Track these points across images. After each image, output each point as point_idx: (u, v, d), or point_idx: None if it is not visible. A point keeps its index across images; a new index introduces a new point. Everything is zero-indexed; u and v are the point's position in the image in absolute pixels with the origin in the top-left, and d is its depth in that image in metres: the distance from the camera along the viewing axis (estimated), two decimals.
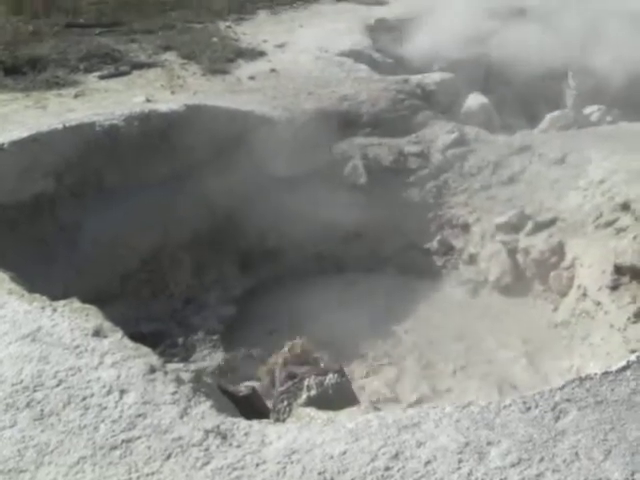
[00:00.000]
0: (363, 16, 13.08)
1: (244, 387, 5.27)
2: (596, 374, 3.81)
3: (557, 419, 3.47)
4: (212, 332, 7.01)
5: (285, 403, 5.42)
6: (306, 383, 5.77)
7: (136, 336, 4.72)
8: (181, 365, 4.44)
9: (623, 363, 3.91)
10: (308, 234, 8.01)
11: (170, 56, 10.52)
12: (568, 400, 3.61)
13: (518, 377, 6.60)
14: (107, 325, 4.52)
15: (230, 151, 7.98)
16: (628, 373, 3.84)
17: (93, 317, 4.59)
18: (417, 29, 11.88)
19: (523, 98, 11.67)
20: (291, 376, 5.90)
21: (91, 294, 5.44)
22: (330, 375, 5.83)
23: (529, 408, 3.55)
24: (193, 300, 7.53)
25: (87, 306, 4.77)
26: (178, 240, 7.56)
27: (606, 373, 3.83)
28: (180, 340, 6.74)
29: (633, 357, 3.95)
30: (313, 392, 5.67)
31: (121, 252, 7.05)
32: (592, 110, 10.67)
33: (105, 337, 4.36)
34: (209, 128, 7.90)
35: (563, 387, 3.71)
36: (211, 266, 7.79)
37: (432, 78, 10.07)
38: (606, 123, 10.36)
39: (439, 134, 8.78)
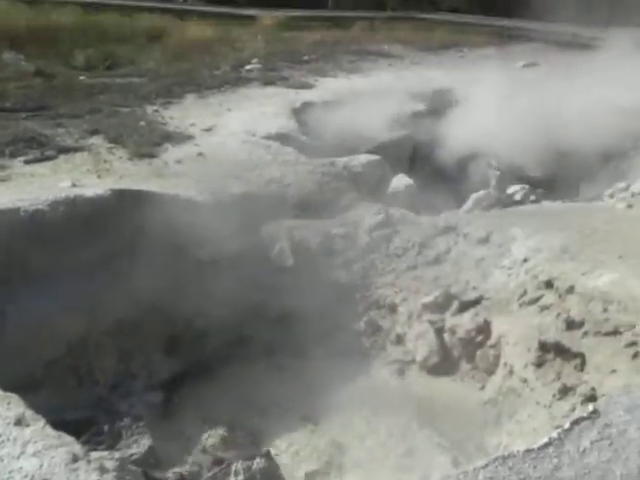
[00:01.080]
0: (290, 99, 13.25)
1: (171, 474, 5.21)
2: (518, 451, 3.84)
3: None
4: (139, 419, 6.85)
5: None
6: (233, 468, 5.73)
7: (60, 424, 4.64)
8: (106, 453, 4.36)
9: (545, 440, 3.94)
10: (235, 317, 7.96)
11: (97, 140, 10.46)
12: (491, 478, 3.62)
13: (443, 458, 6.59)
14: (29, 413, 4.45)
15: (156, 235, 7.94)
16: (550, 450, 3.88)
17: (15, 405, 4.52)
18: (344, 111, 12.07)
19: (448, 178, 11.88)
20: (218, 462, 5.85)
21: (15, 381, 5.35)
22: (257, 459, 5.79)
23: None
24: (119, 386, 7.39)
25: (9, 394, 4.70)
26: (104, 326, 7.43)
27: (528, 450, 3.86)
28: (106, 427, 6.60)
29: (554, 434, 3.99)
30: (240, 477, 5.63)
31: (46, 339, 6.90)
32: (515, 190, 10.90)
33: (27, 426, 4.28)
34: (135, 213, 7.87)
35: (486, 466, 3.73)
36: (137, 352, 7.67)
37: (358, 160, 10.22)
38: (529, 202, 10.58)
39: (365, 216, 8.87)
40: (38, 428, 4.29)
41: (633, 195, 9.81)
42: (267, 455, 6.03)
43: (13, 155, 9.58)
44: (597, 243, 7.64)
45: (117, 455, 4.29)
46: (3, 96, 12.75)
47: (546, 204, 10.12)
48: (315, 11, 28.67)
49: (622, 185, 10.56)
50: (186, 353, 7.95)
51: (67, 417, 5.99)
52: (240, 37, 20.80)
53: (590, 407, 4.40)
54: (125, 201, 7.90)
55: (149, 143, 10.43)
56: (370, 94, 12.79)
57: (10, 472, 3.86)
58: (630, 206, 8.94)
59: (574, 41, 20.80)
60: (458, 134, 12.14)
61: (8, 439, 4.13)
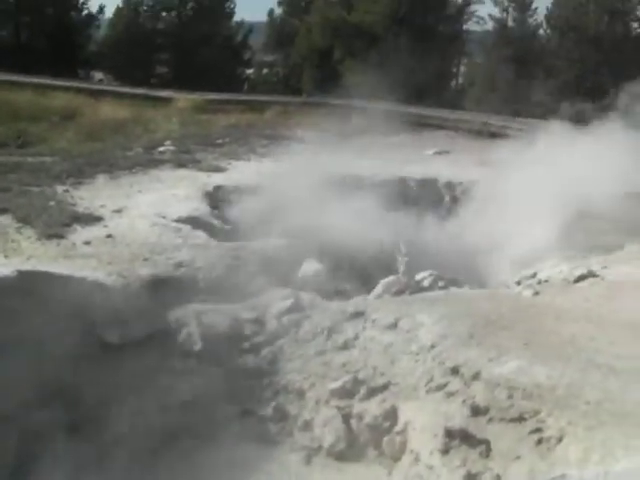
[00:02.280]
0: (202, 182, 13.30)
1: None
2: None
3: None
4: None
5: None
6: None
7: None
8: None
9: None
10: (142, 402, 7.86)
11: (5, 219, 10.36)
12: None
13: None
14: None
15: (63, 317, 7.85)
16: None
17: None
18: (256, 195, 12.15)
19: (358, 264, 11.98)
20: None
21: None
22: None
23: None
24: (20, 473, 7.23)
25: None
26: (6, 407, 7.29)
27: None
28: None
29: None
30: None
31: None
32: (424, 276, 11.01)
33: None
34: (41, 294, 7.78)
35: None
36: (40, 438, 7.51)
37: (269, 245, 10.29)
38: (437, 288, 10.68)
39: (274, 300, 8.88)
40: None
41: (540, 282, 9.99)
42: None
43: None
44: (503, 330, 7.75)
45: None
46: None
47: (454, 291, 10.24)
48: (230, 94, 28.96)
49: (529, 272, 10.75)
50: (90, 436, 7.78)
51: None
52: (154, 118, 20.86)
53: None
54: (32, 282, 7.80)
55: (58, 223, 10.34)
56: (282, 178, 12.90)
57: None
58: (537, 293, 9.11)
59: (484, 129, 21.34)
60: (368, 218, 12.31)
61: None
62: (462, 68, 47.65)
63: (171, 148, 16.67)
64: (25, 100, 20.43)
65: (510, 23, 44.93)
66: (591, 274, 9.54)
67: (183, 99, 24.46)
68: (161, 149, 16.57)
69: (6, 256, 8.87)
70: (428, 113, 24.67)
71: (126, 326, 8.09)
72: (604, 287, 9.12)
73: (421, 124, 22.91)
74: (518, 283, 10.37)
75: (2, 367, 7.28)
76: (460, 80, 47.21)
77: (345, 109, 23.41)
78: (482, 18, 45.72)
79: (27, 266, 8.22)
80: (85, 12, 44.55)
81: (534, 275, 10.43)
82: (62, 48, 38.62)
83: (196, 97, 25.11)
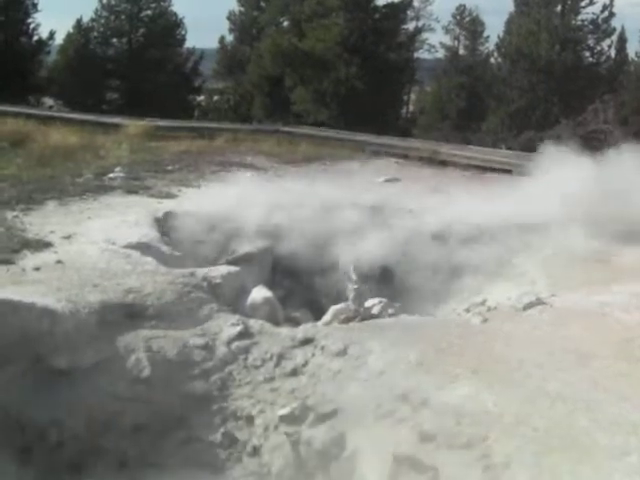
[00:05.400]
0: (152, 209, 13.27)
1: None
2: None
3: None
4: None
5: None
6: None
7: None
8: None
9: None
10: (89, 428, 7.83)
11: None
12: None
13: None
14: None
15: (9, 343, 7.80)
16: None
17: None
18: (206, 222, 12.17)
19: (308, 291, 12.04)
20: None
21: None
22: None
23: None
24: None
25: None
26: None
27: None
28: None
29: None
30: None
31: None
32: (373, 303, 11.07)
33: None
34: None
35: None
36: None
37: (218, 271, 10.29)
38: (387, 316, 10.74)
39: (224, 327, 8.87)
40: None
41: (489, 309, 10.10)
42: None
43: None
44: (452, 357, 7.84)
45: None
46: None
47: (403, 318, 10.30)
48: (181, 121, 29.00)
49: (478, 299, 10.86)
50: (39, 464, 7.72)
51: None
52: (104, 145, 20.76)
53: None
54: None
55: (7, 249, 10.29)
56: (232, 205, 12.93)
57: None
58: (485, 320, 9.21)
59: (434, 157, 21.54)
60: (318, 246, 12.38)
61: None
62: (412, 96, 48.06)
63: (121, 174, 16.58)
64: None
65: (461, 51, 45.47)
66: (539, 301, 9.66)
67: (133, 125, 24.37)
68: (111, 175, 16.47)
69: None
70: (378, 141, 24.84)
71: (75, 352, 8.06)
72: (552, 314, 9.23)
73: (371, 151, 23.05)
74: (467, 310, 10.47)
75: None
76: (410, 108, 47.59)
77: (295, 136, 23.54)
78: (433, 46, 46.31)
79: None
80: (35, 38, 44.36)
81: (483, 302, 10.55)
82: (12, 74, 38.36)
83: (147, 124, 25.03)
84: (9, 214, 12.49)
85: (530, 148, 26.56)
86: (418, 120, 44.32)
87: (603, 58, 41.93)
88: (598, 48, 41.18)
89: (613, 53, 42.70)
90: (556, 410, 6.62)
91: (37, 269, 9.71)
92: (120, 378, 8.14)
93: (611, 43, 42.25)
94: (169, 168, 18.29)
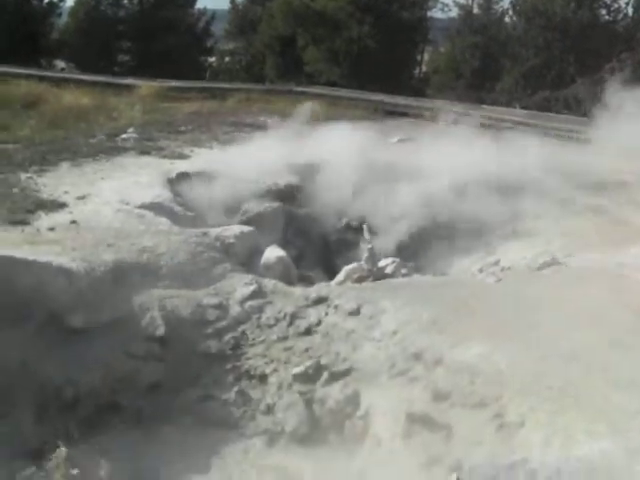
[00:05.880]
0: (165, 169, 13.25)
1: None
2: None
3: None
4: None
5: None
6: None
7: None
8: None
9: None
10: (106, 385, 7.88)
11: None
12: None
13: None
14: None
15: (27, 302, 7.83)
16: None
17: None
18: (219, 182, 12.14)
19: (321, 251, 12.04)
20: None
21: None
22: None
23: None
24: None
25: None
26: None
27: None
28: None
29: None
30: None
31: None
32: (387, 263, 11.07)
33: None
34: (6, 279, 7.75)
35: None
36: (5, 420, 7.49)
37: (231, 231, 10.32)
38: (400, 276, 10.74)
39: (237, 286, 8.91)
40: None
41: (502, 269, 10.08)
42: None
43: None
44: (466, 317, 7.83)
45: None
46: None
47: (416, 278, 10.31)
48: (192, 82, 28.82)
49: (492, 260, 10.83)
50: (56, 420, 7.77)
51: None
52: (117, 106, 20.70)
53: (454, 476, 4.49)
54: None
55: (22, 210, 10.33)
56: (245, 165, 12.89)
57: None
58: (499, 280, 9.19)
59: (447, 116, 21.36)
60: (331, 206, 12.36)
61: None
62: (426, 56, 47.56)
63: (134, 135, 16.56)
64: None
65: (475, 10, 44.82)
66: (555, 261, 9.62)
67: (145, 86, 24.25)
68: (124, 136, 16.45)
69: None
70: (391, 100, 24.67)
71: (90, 310, 8.09)
72: (567, 274, 9.22)
73: (384, 111, 22.92)
74: (481, 270, 10.45)
75: None
76: (424, 68, 47.14)
77: (308, 96, 23.38)
78: (447, 5, 45.58)
79: None
80: (46, 0, 44.07)
81: (497, 262, 10.52)
82: (23, 37, 38.12)
83: (158, 84, 24.91)
84: (23, 175, 12.50)
85: (545, 107, 26.35)
86: (431, 80, 43.87)
87: (620, 16, 41.23)
88: (615, 5, 40.48)
89: (630, 11, 42.11)
90: (571, 370, 6.61)
91: (52, 229, 9.74)
92: (135, 336, 8.19)
93: (628, 0, 41.72)
94: (181, 129, 18.24)
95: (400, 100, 24.95)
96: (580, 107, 26.37)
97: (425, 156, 13.59)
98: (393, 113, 22.82)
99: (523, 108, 26.42)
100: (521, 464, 4.72)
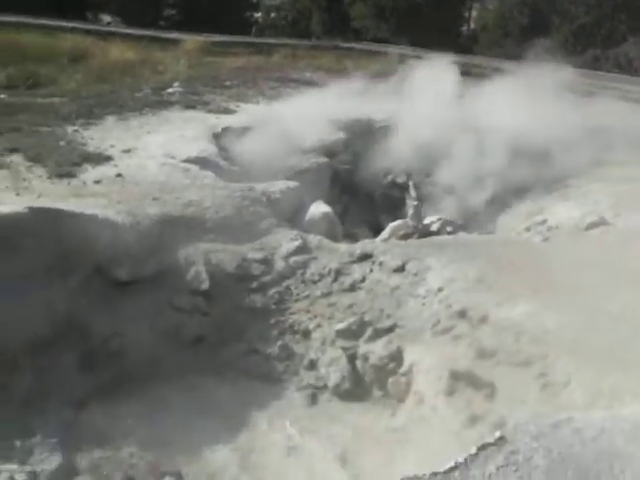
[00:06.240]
0: (211, 124, 13.24)
1: None
2: (425, 474, 3.88)
3: None
4: (51, 436, 6.79)
5: None
6: None
7: None
8: (16, 467, 4.33)
9: (451, 464, 4.00)
10: (150, 338, 7.94)
11: (16, 158, 10.36)
12: None
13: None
14: None
15: (73, 254, 7.88)
16: (456, 474, 3.93)
17: None
18: (265, 138, 12.11)
19: (366, 207, 12.00)
20: (128, 479, 5.84)
21: None
22: (167, 478, 5.80)
23: None
24: (33, 404, 7.29)
25: None
26: (19, 344, 7.32)
27: (435, 473, 3.91)
28: (17, 443, 6.52)
29: (461, 458, 4.05)
30: None
31: None
32: (432, 220, 11.02)
33: None
34: (52, 231, 7.80)
35: None
36: (52, 370, 7.57)
37: (277, 186, 10.29)
38: (446, 233, 10.69)
39: (282, 241, 8.91)
40: None
41: (550, 229, 9.98)
42: (178, 475, 6.03)
43: None
44: (512, 275, 7.77)
45: (28, 469, 4.26)
46: None
47: (462, 235, 10.25)
48: (238, 37, 28.73)
49: (539, 219, 10.72)
50: (101, 372, 7.85)
51: None
52: (162, 60, 20.72)
53: (497, 434, 4.46)
54: (43, 219, 7.81)
55: (68, 163, 10.35)
56: (291, 121, 12.85)
57: None
58: (546, 240, 9.10)
59: (496, 74, 21.09)
60: (377, 163, 12.30)
61: None
62: (474, 13, 46.96)
63: (179, 90, 16.57)
64: (34, 42, 20.24)
65: None
66: (603, 222, 9.51)
67: (191, 41, 24.25)
68: (170, 90, 16.47)
69: (17, 194, 8.90)
70: (439, 57, 24.36)
71: (135, 263, 8.14)
72: (616, 235, 9.11)
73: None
74: (527, 229, 10.36)
75: (14, 303, 7.31)
76: (472, 25, 46.56)
77: (354, 52, 23.22)
78: None
79: (38, 204, 8.21)
80: None
81: (544, 222, 10.41)
82: None
83: (204, 39, 24.90)
84: (69, 128, 12.55)
85: (595, 66, 25.91)
86: (479, 37, 43.40)
87: None
88: None
89: None
90: (618, 330, 6.54)
91: (97, 182, 9.77)
92: (180, 290, 8.23)
93: None
94: (227, 84, 18.22)
95: (448, 57, 24.65)
96: (631, 66, 25.92)
97: (477, 112, 13.42)
98: None
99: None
100: (566, 423, 4.68)
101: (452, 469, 3.98)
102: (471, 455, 4.18)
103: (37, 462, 6.26)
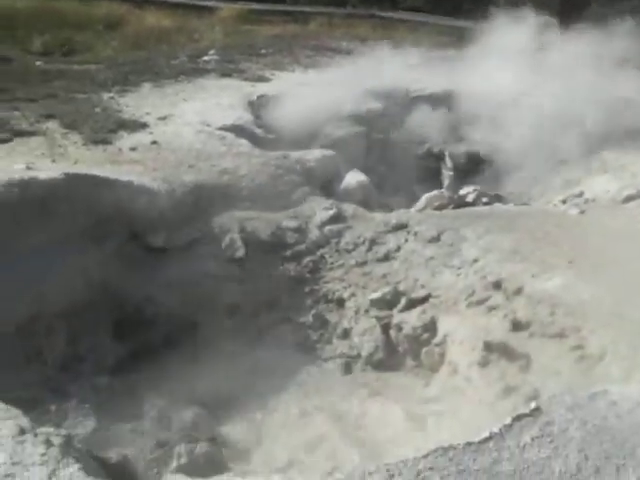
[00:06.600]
0: (246, 92, 13.21)
1: (114, 454, 5.22)
2: (459, 444, 3.87)
3: None
4: (85, 400, 6.85)
5: (155, 471, 5.41)
6: (176, 451, 5.75)
7: (6, 402, 4.69)
8: (52, 429, 4.41)
9: (486, 434, 3.99)
10: (184, 305, 7.98)
11: (52, 125, 10.42)
12: (431, 468, 3.66)
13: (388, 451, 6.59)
14: None
15: (108, 220, 7.93)
16: (490, 444, 3.92)
17: None
18: (300, 106, 12.06)
19: (402, 177, 11.93)
20: (161, 444, 5.87)
21: None
22: (201, 443, 5.82)
23: (392, 475, 3.58)
24: (67, 368, 7.37)
25: None
26: (54, 309, 7.39)
27: (469, 443, 3.90)
28: (52, 407, 6.60)
29: (495, 428, 4.04)
30: (183, 460, 5.67)
31: None
32: (468, 191, 10.94)
33: None
34: (88, 197, 7.85)
35: (427, 455, 3.76)
36: (86, 335, 7.65)
37: (312, 155, 10.25)
38: (481, 204, 10.62)
39: (317, 210, 8.91)
40: None
41: (586, 201, 9.90)
42: (211, 440, 6.06)
43: None
44: (548, 247, 7.71)
45: (63, 432, 4.34)
46: None
47: (498, 207, 10.17)
48: (274, 5, 28.61)
49: (576, 191, 10.63)
50: (134, 338, 7.92)
51: (13, 396, 5.96)
52: (198, 28, 20.69)
53: (532, 404, 4.45)
54: (79, 185, 7.87)
55: (104, 129, 10.39)
56: (327, 89, 12.79)
57: None
58: (583, 212, 9.03)
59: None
60: (413, 133, 12.24)
61: None
62: None
63: (215, 57, 16.56)
64: (70, 8, 20.27)
65: None
66: None
67: (227, 9, 24.17)
68: (205, 58, 16.47)
69: (53, 160, 8.94)
70: (478, 27, 24.09)
71: (170, 230, 8.18)
72: None
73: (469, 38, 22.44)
74: (564, 202, 10.27)
75: (49, 268, 7.37)
76: None
77: (391, 22, 23.05)
78: None
79: (74, 170, 8.26)
80: None
81: (581, 194, 10.32)
82: None
83: (240, 7, 24.81)
84: (105, 95, 12.60)
85: None
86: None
87: None
88: None
89: None
90: None
91: (133, 149, 9.79)
92: (215, 257, 8.27)
93: None
94: (262, 52, 18.16)
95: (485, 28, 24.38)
96: None
97: (516, 84, 13.26)
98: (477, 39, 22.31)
99: None
100: (602, 395, 4.65)
101: (487, 439, 3.97)
102: (506, 425, 4.17)
103: (72, 426, 6.33)
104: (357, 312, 8.06)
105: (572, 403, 4.50)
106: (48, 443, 4.09)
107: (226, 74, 15.06)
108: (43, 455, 3.96)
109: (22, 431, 4.18)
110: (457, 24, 24.44)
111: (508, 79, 12.72)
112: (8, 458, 3.90)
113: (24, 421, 4.32)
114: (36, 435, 4.17)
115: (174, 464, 5.72)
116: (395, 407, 7.07)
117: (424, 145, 12.29)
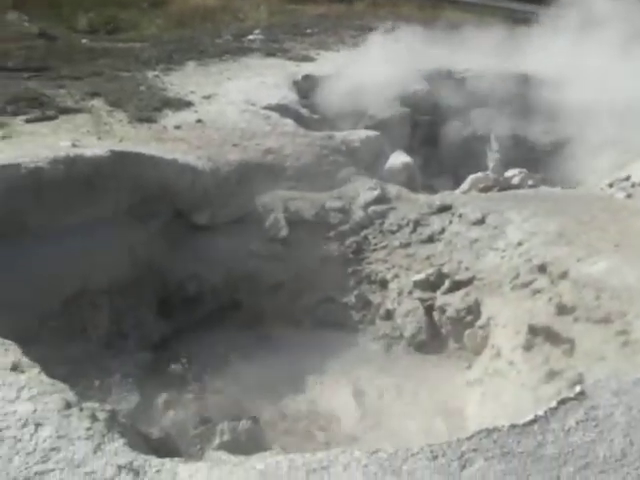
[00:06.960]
0: (291, 71, 13.19)
1: (158, 430, 5.27)
2: (504, 426, 3.86)
3: (463, 468, 3.51)
4: (128, 376, 6.93)
5: (198, 447, 5.45)
6: (219, 428, 5.78)
7: (52, 377, 4.75)
8: (97, 404, 4.48)
9: (531, 417, 3.97)
10: (227, 284, 8.03)
11: (97, 102, 10.48)
12: (475, 450, 3.65)
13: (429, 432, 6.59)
14: (25, 361, 4.66)
15: (153, 198, 7.97)
16: (535, 427, 3.90)
17: (12, 352, 4.74)
18: (345, 86, 12.02)
19: (447, 159, 11.87)
20: (204, 421, 5.91)
21: (9, 334, 5.39)
22: (243, 421, 5.85)
23: (436, 457, 3.58)
24: (111, 345, 7.44)
25: (7, 342, 4.92)
26: (98, 285, 7.49)
27: (513, 426, 3.89)
28: (96, 383, 6.66)
29: (540, 412, 4.02)
30: (226, 437, 5.70)
31: (41, 294, 6.92)
32: (513, 173, 10.86)
33: (23, 372, 4.50)
34: (133, 175, 7.89)
35: (471, 437, 3.75)
36: (130, 312, 7.72)
37: (357, 135, 10.21)
38: (527, 187, 10.54)
39: (361, 191, 8.87)
40: (33, 375, 4.53)
41: (633, 185, 9.76)
42: (253, 417, 6.09)
43: (15, 113, 9.60)
44: (594, 230, 7.62)
45: (108, 407, 4.39)
46: (6, 55, 12.79)
47: (544, 189, 10.07)
48: None
49: (622, 175, 10.50)
50: (178, 316, 7.99)
51: (58, 371, 6.04)
52: (243, 7, 20.65)
53: (577, 388, 4.42)
54: (124, 163, 7.91)
55: (149, 108, 10.44)
56: (372, 70, 12.70)
57: (5, 415, 4.08)
58: (629, 196, 8.92)
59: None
60: (458, 114, 12.15)
61: (4, 384, 4.36)
62: None
63: (260, 37, 16.54)
64: None
65: None
66: None
67: None
68: (250, 37, 16.46)
69: (99, 138, 8.99)
70: (527, 8, 23.79)
71: (214, 209, 8.21)
72: None
73: (518, 19, 22.17)
74: (610, 185, 10.15)
75: (95, 245, 7.44)
76: None
77: (436, 2, 22.84)
78: None
79: (120, 147, 8.30)
80: None
81: (627, 178, 10.19)
82: None
83: None
84: (150, 73, 12.64)
85: None
86: None
87: None
88: None
89: None
90: None
91: (178, 127, 9.81)
92: (258, 236, 8.29)
93: None
94: (307, 31, 18.10)
95: (535, 9, 24.07)
96: None
97: (562, 67, 13.10)
98: (528, 21, 22.03)
99: None
100: None
101: (531, 422, 3.96)
102: (551, 409, 4.15)
103: (116, 401, 6.39)
104: (400, 293, 8.05)
105: (617, 388, 4.46)
106: (93, 417, 4.15)
107: (271, 53, 15.04)
108: (88, 429, 4.02)
109: (68, 405, 4.23)
110: (507, 5, 24.10)
111: (555, 62, 12.59)
112: (54, 431, 3.95)
113: (70, 395, 4.38)
114: (82, 409, 4.23)
115: (217, 441, 5.75)
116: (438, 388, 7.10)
117: (469, 126, 12.21)
